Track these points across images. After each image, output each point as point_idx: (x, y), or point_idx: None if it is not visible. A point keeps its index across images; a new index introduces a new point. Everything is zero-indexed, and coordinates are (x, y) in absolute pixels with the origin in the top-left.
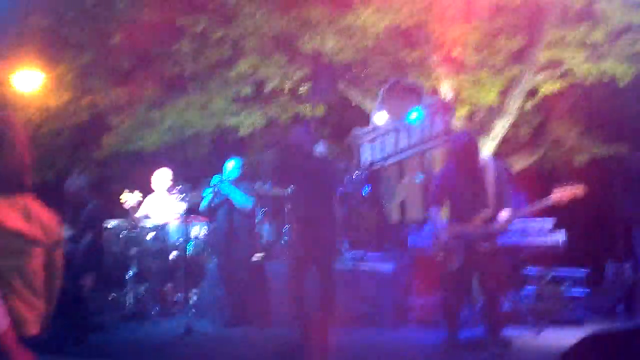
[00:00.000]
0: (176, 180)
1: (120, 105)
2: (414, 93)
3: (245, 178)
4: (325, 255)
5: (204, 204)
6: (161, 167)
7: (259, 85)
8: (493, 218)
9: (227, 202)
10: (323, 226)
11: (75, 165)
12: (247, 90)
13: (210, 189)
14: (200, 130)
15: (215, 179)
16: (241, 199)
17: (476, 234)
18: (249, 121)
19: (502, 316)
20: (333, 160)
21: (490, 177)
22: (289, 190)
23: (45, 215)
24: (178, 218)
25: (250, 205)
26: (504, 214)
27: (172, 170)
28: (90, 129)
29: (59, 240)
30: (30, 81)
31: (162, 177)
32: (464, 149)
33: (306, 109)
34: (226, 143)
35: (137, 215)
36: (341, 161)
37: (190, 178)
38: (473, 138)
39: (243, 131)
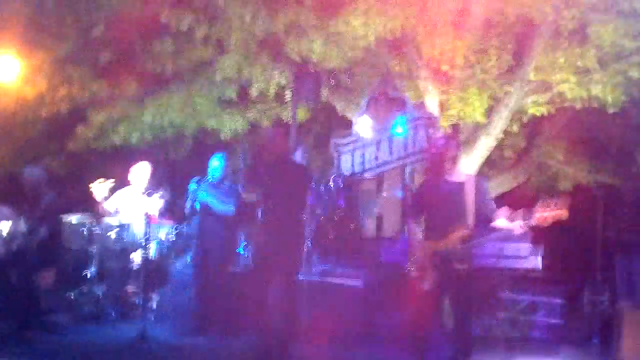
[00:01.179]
0: (154, 179)
1: (99, 99)
2: (398, 105)
3: (228, 178)
4: (288, 265)
5: (188, 207)
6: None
7: (243, 88)
8: (470, 236)
9: (206, 207)
10: (289, 234)
11: (48, 156)
12: (230, 92)
13: (190, 194)
14: (181, 130)
15: (193, 184)
16: (220, 206)
17: (452, 252)
18: (231, 124)
19: (471, 341)
20: (306, 166)
21: (469, 193)
22: (258, 194)
23: None
24: (145, 217)
25: (230, 211)
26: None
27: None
28: (66, 121)
29: None
30: (6, 68)
31: (140, 171)
32: (443, 151)
33: (289, 115)
34: (208, 145)
35: (105, 207)
36: (318, 169)
37: (170, 178)
38: (453, 141)
39: (225, 134)
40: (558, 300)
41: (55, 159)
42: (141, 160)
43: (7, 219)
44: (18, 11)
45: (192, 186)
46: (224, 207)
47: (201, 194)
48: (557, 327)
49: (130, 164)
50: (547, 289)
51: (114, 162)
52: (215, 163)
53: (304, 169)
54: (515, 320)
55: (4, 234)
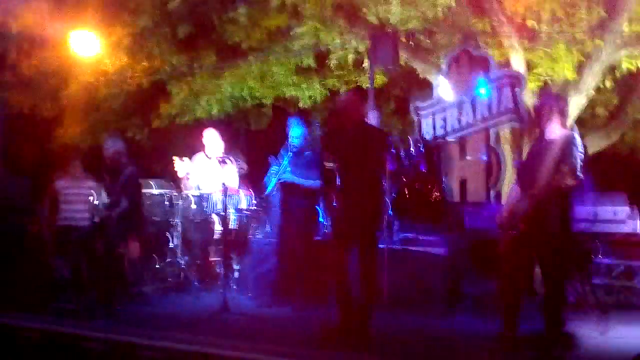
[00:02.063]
0: (234, 149)
1: (179, 72)
2: (482, 64)
3: (308, 146)
4: (368, 233)
5: (269, 188)
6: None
7: (321, 56)
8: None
9: (290, 184)
10: (367, 202)
11: (132, 129)
12: (308, 60)
13: (271, 174)
14: (261, 100)
15: (274, 167)
16: (305, 182)
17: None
18: (309, 92)
19: (565, 310)
20: (383, 130)
21: (565, 150)
22: (335, 161)
23: None
24: (223, 188)
25: (316, 185)
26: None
27: (234, 140)
28: (149, 95)
29: None
30: (88, 45)
31: (210, 138)
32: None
33: (368, 81)
34: (288, 114)
35: (187, 182)
36: (399, 134)
37: (252, 148)
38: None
39: (304, 103)
40: None
41: (140, 132)
42: (224, 133)
43: (92, 191)
44: None
45: (274, 169)
46: (309, 182)
47: (285, 174)
48: None
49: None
50: None
51: (197, 135)
52: (294, 131)
53: (381, 134)
54: (611, 286)
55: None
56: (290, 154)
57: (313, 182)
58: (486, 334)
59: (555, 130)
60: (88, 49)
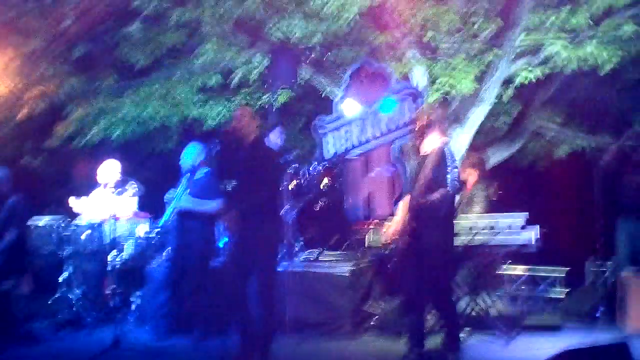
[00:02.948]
0: (127, 175)
1: (76, 94)
2: (382, 78)
3: (206, 165)
4: (264, 257)
5: (165, 217)
6: (122, 159)
7: (226, 76)
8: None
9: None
10: (262, 225)
11: (26, 156)
12: (212, 80)
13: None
14: (166, 122)
15: (170, 193)
16: (200, 207)
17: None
18: (215, 113)
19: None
20: (276, 149)
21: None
22: (230, 183)
23: None
24: (113, 217)
25: (212, 209)
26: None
27: (137, 163)
28: (44, 120)
29: None
30: None
31: (109, 170)
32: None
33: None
34: (196, 136)
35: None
36: (305, 152)
37: (157, 172)
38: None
39: (210, 122)
40: (559, 272)
41: (34, 159)
42: (128, 156)
43: None
44: None
45: (170, 193)
46: (206, 207)
47: (181, 201)
48: (559, 300)
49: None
50: (547, 261)
51: (99, 161)
52: (187, 150)
53: (273, 153)
54: (515, 296)
55: None
56: (188, 175)
57: (210, 207)
58: (395, 354)
59: (431, 143)
60: None
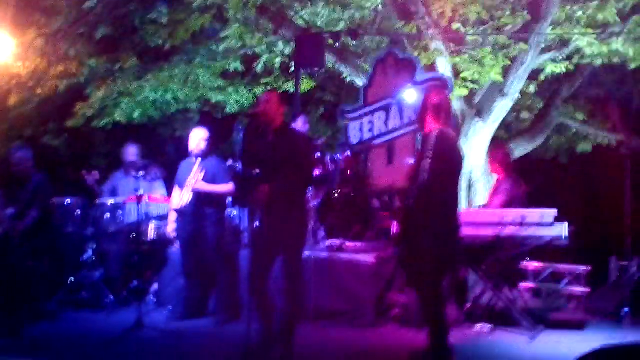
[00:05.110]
0: (148, 158)
1: (97, 75)
2: (408, 67)
3: (213, 152)
4: (291, 244)
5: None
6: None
7: (249, 60)
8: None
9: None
10: (290, 211)
11: (47, 135)
12: (235, 64)
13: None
14: (187, 106)
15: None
16: (219, 189)
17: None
18: (236, 97)
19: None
20: (306, 135)
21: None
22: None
23: None
24: (140, 198)
25: (229, 190)
26: None
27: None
28: (65, 100)
29: None
30: None
31: (129, 153)
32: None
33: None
34: (216, 120)
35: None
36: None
37: (177, 156)
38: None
39: (230, 108)
40: (583, 269)
41: (56, 138)
42: (150, 139)
43: None
44: None
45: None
46: (221, 188)
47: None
48: (583, 297)
49: (135, 142)
50: (571, 258)
51: (121, 142)
52: (194, 134)
53: (304, 138)
54: (538, 291)
55: None
56: (199, 159)
57: (227, 190)
58: (416, 345)
59: (428, 127)
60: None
